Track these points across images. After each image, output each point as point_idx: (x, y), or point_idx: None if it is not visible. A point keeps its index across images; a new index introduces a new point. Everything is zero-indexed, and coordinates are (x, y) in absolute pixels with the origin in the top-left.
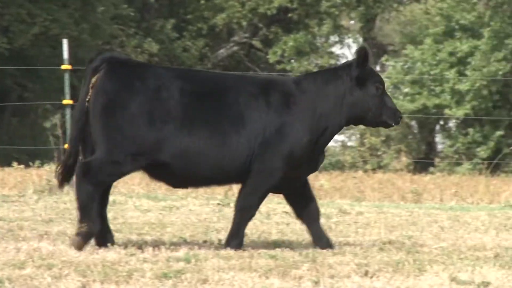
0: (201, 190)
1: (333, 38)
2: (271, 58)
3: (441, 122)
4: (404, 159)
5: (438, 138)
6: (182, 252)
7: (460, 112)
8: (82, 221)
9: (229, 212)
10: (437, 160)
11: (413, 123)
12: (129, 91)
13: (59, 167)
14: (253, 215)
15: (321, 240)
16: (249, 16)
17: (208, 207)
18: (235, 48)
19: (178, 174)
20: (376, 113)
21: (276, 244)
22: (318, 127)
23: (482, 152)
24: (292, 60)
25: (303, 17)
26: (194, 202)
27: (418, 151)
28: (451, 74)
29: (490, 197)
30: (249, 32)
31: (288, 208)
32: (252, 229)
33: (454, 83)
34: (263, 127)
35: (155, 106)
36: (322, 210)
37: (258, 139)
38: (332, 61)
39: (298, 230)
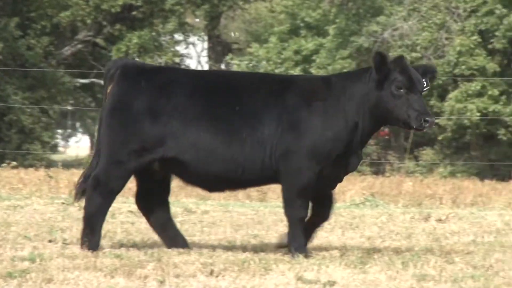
0: (46, 189)
1: (178, 36)
2: (115, 55)
3: None
4: None
5: None
6: (26, 251)
7: None
8: (85, 234)
9: (74, 211)
10: None
11: None
12: (134, 92)
13: (80, 178)
14: (303, 216)
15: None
16: (94, 14)
17: (52, 207)
18: (80, 46)
19: (193, 172)
20: (399, 114)
21: (121, 244)
22: (347, 125)
23: None
24: (136, 58)
25: (148, 15)
26: (39, 202)
27: None
28: (296, 72)
29: (336, 196)
30: (94, 30)
31: (133, 207)
32: None
33: None
34: (278, 126)
35: (161, 104)
36: None
37: (275, 138)
38: (176, 59)
39: (143, 229)
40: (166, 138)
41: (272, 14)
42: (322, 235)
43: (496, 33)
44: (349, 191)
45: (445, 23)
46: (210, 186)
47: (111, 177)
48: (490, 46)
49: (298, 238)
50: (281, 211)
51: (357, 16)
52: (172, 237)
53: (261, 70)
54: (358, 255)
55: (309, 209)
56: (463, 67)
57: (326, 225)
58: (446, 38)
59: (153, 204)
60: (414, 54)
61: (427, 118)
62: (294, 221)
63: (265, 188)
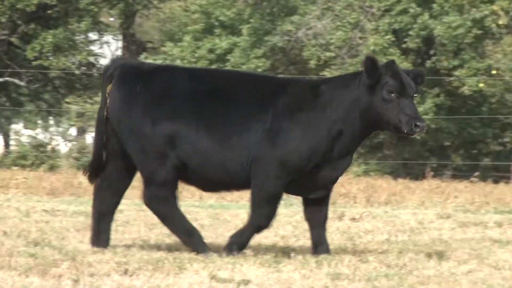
0: None
1: (93, 35)
2: (29, 54)
3: None
4: None
5: None
6: None
7: None
8: (180, 236)
9: None
10: None
11: None
12: (137, 95)
13: (85, 171)
14: (262, 225)
15: (321, 245)
16: (8, 13)
17: None
18: None
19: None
20: (390, 118)
21: (35, 243)
22: (328, 134)
23: None
24: (50, 57)
25: (62, 14)
26: None
27: None
28: None
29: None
30: (8, 29)
31: (47, 206)
32: (12, 227)
33: None
34: (261, 132)
35: (162, 106)
36: (81, 208)
37: (256, 144)
38: (91, 58)
39: (58, 228)
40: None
41: (186, 13)
42: None
43: (410, 32)
44: None
45: (359, 22)
46: (203, 187)
47: (158, 184)
48: (404, 45)
49: (243, 239)
50: (195, 210)
51: (271, 15)
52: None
53: None
54: (273, 254)
55: (308, 209)
56: None
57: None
58: (360, 37)
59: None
60: (328, 54)
61: (418, 123)
62: (251, 226)
63: (180, 187)
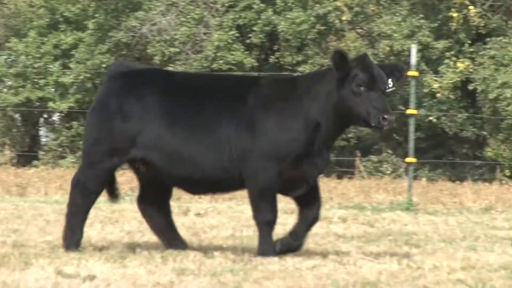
0: None
1: None
2: None
3: (45, 116)
4: (8, 153)
5: (42, 131)
6: None
7: (64, 106)
8: (65, 232)
9: None
10: (41, 153)
11: (17, 116)
12: (112, 93)
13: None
14: (269, 219)
15: (297, 240)
16: None
17: None
18: None
19: (164, 175)
20: (359, 111)
21: None
22: (307, 125)
23: None
24: None
25: None
26: None
27: (22, 144)
28: (55, 67)
29: None
30: None
31: None
32: None
33: (58, 76)
34: (236, 128)
35: (133, 104)
36: None
37: (233, 141)
38: None
39: None
40: (135, 139)
41: (31, 8)
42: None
43: (254, 28)
44: None
45: (203, 18)
46: (187, 189)
47: (89, 177)
48: (248, 41)
49: (267, 242)
50: (40, 205)
51: (116, 11)
52: (170, 239)
53: (20, 65)
54: (118, 249)
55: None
56: (221, 61)
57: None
58: (204, 33)
59: (153, 207)
60: (172, 49)
61: (385, 116)
62: (261, 225)
63: (24, 182)
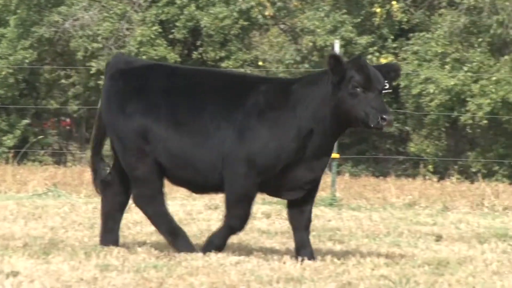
0: None
1: None
2: None
3: None
4: None
5: None
6: None
7: None
8: (165, 235)
9: None
10: None
11: None
12: (125, 91)
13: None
14: (236, 227)
15: (304, 249)
16: None
17: None
18: None
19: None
20: (357, 113)
21: None
22: (299, 133)
23: (9, 140)
24: None
25: None
26: None
27: None
28: None
29: (18, 186)
30: None
31: None
32: None
33: None
34: (230, 133)
35: (145, 103)
36: None
37: (226, 143)
38: None
39: None
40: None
41: None
42: (5, 226)
43: (177, 23)
44: (32, 181)
45: (126, 13)
46: (189, 188)
47: (143, 185)
48: (171, 36)
49: (219, 241)
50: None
51: (38, 6)
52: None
53: None
54: (41, 245)
55: (291, 212)
56: (144, 57)
57: (8, 215)
58: (127, 29)
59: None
60: (95, 45)
61: (384, 116)
62: (225, 227)
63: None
